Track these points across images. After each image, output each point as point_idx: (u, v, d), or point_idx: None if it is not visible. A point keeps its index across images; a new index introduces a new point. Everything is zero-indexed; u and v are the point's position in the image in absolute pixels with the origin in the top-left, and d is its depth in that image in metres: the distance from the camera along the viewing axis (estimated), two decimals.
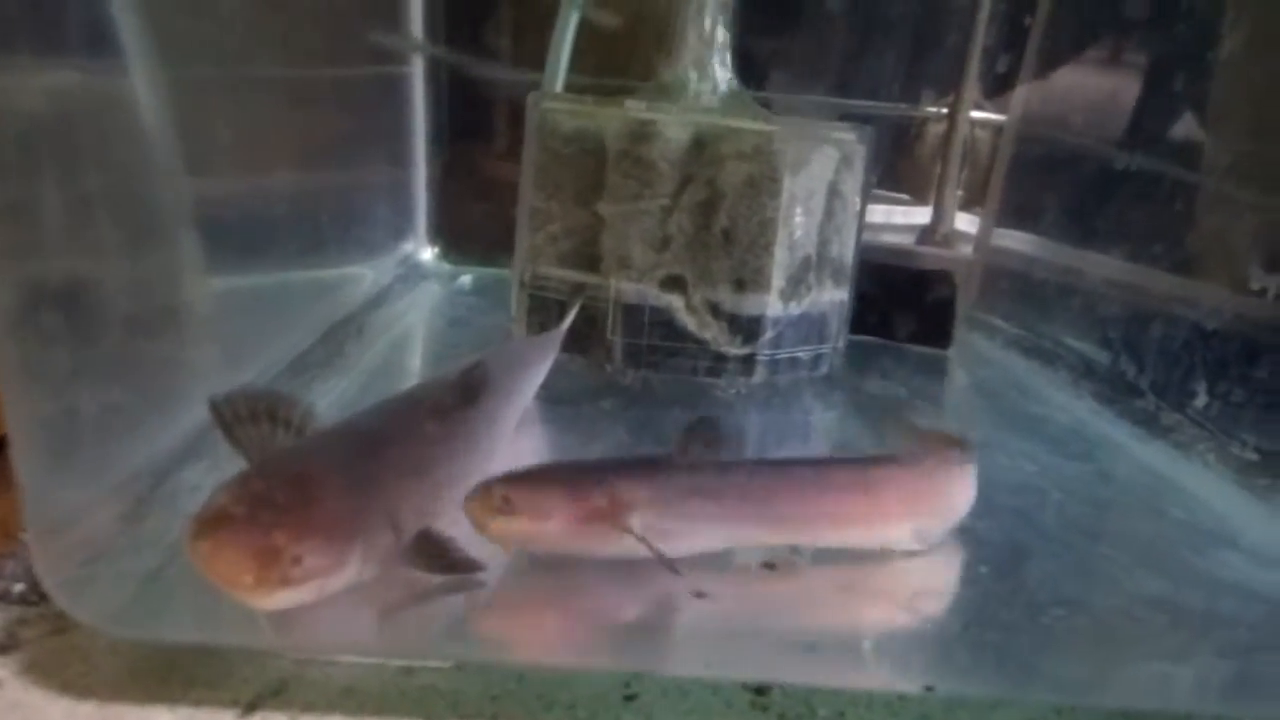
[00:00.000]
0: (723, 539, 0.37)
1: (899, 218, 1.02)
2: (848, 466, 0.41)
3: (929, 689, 0.30)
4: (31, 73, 0.33)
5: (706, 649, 0.34)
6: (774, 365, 0.59)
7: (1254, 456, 0.48)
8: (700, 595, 0.35)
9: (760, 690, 0.33)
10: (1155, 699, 0.33)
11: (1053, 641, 0.34)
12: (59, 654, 0.32)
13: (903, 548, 0.39)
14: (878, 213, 1.01)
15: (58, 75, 0.36)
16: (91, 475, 0.32)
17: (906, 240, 0.99)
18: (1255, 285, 0.50)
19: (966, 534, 0.41)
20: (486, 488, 0.34)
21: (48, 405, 0.30)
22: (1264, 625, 0.36)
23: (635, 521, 0.34)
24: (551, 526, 0.34)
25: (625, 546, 0.34)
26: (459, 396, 0.37)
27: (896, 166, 1.02)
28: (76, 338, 0.31)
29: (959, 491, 0.40)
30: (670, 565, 0.34)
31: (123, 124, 0.40)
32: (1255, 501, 0.47)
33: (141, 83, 0.41)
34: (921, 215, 0.99)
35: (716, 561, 0.37)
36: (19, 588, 0.35)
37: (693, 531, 0.36)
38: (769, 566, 0.37)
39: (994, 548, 0.41)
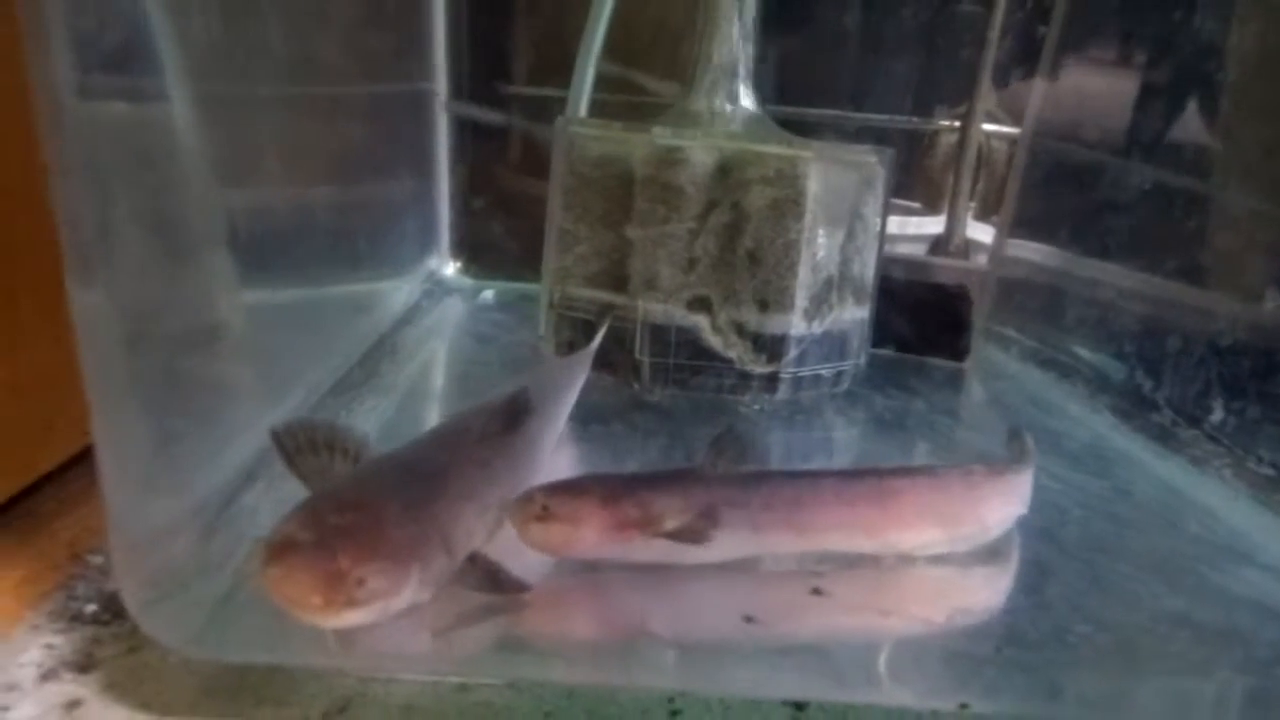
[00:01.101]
0: (753, 547, 0.39)
1: (912, 229, 1.03)
2: (870, 475, 0.43)
3: (964, 706, 0.31)
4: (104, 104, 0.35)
5: (747, 666, 0.36)
6: (797, 383, 0.60)
7: (1270, 472, 0.50)
8: (749, 619, 0.36)
9: (799, 706, 0.35)
10: (1177, 716, 0.34)
11: (1079, 659, 0.36)
12: (135, 673, 0.33)
13: (928, 553, 0.40)
14: (892, 224, 1.03)
15: (117, 106, 0.38)
16: (170, 499, 0.33)
17: (920, 250, 1.01)
18: (1271, 302, 0.51)
19: (991, 552, 0.42)
20: (528, 496, 0.36)
21: (135, 428, 0.32)
22: (1277, 641, 0.37)
23: (667, 529, 0.36)
24: (586, 533, 0.36)
25: (656, 553, 0.37)
26: (503, 423, 0.39)
27: (911, 177, 1.03)
28: (158, 363, 0.33)
29: (993, 500, 0.42)
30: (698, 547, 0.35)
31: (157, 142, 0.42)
32: (1272, 517, 0.48)
33: (177, 104, 0.43)
34: (935, 226, 1.00)
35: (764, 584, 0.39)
36: (91, 608, 0.37)
37: (721, 539, 0.38)
38: (816, 592, 0.39)
39: (1020, 564, 0.42)
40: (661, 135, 0.58)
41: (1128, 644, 0.37)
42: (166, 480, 0.33)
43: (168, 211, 0.39)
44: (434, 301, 0.79)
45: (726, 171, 0.58)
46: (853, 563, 0.40)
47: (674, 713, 0.34)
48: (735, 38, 0.63)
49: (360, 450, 0.36)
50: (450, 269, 0.88)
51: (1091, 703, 0.34)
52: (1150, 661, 0.36)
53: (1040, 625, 0.38)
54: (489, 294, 0.86)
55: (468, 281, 0.88)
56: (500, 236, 0.90)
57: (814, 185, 0.57)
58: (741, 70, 0.63)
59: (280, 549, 0.30)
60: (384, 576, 0.31)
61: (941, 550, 0.41)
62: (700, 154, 0.58)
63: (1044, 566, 0.42)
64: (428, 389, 0.62)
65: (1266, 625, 0.39)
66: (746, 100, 0.64)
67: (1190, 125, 0.67)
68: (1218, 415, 0.53)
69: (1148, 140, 0.70)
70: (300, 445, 0.35)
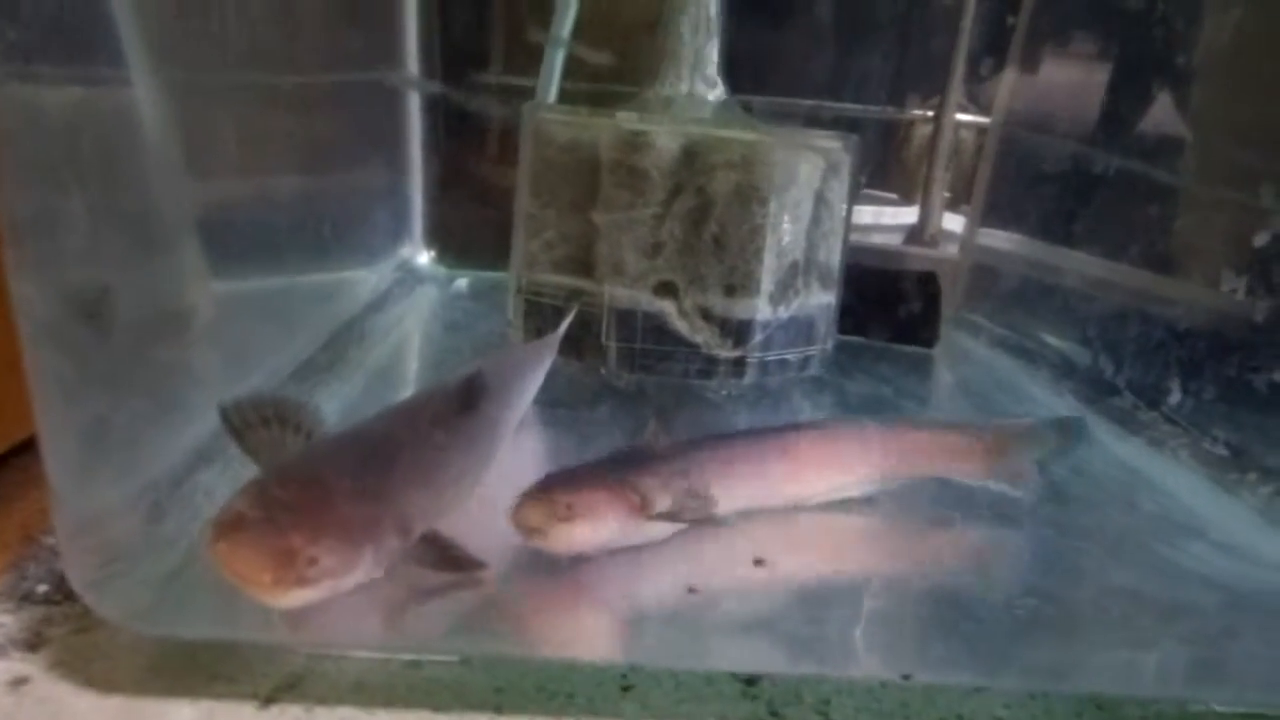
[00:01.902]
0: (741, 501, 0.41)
1: (888, 218, 1.04)
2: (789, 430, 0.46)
3: (906, 677, 0.32)
4: (48, 88, 0.35)
5: (700, 642, 0.36)
6: (764, 367, 0.61)
7: (1224, 452, 0.50)
8: (693, 590, 0.37)
9: (750, 681, 0.35)
10: (1120, 684, 0.34)
11: (1024, 631, 0.36)
12: (83, 652, 0.33)
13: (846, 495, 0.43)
14: (866, 213, 1.03)
15: (67, 91, 0.38)
16: (115, 480, 0.33)
17: (895, 240, 1.01)
18: (1225, 286, 0.51)
19: (948, 528, 0.43)
20: (545, 499, 0.36)
21: (77, 412, 0.31)
22: (1223, 613, 0.38)
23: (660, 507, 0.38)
24: (608, 525, 0.37)
25: (653, 532, 0.39)
26: (460, 403, 0.39)
27: (886, 167, 1.04)
28: (101, 346, 0.33)
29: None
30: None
31: (130, 136, 0.42)
32: (1224, 495, 0.49)
33: (144, 93, 0.43)
34: (910, 215, 1.01)
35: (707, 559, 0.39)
36: (43, 588, 0.36)
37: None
38: (759, 563, 0.39)
39: (973, 541, 0.43)
40: (627, 120, 0.58)
41: (1073, 616, 0.38)
42: (113, 462, 0.33)
43: (123, 199, 0.39)
44: (405, 290, 0.79)
45: (692, 157, 0.58)
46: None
47: (626, 688, 0.34)
48: (701, 23, 0.63)
49: (313, 426, 0.36)
50: (424, 258, 0.88)
51: (1034, 672, 0.35)
52: (1094, 633, 0.37)
53: (989, 598, 0.38)
54: (462, 282, 0.86)
55: (442, 270, 0.88)
56: (475, 225, 0.90)
57: (778, 171, 0.58)
58: (708, 56, 0.63)
59: (230, 525, 0.30)
60: (335, 555, 0.31)
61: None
62: (665, 139, 0.58)
63: (995, 543, 0.43)
64: (393, 374, 0.62)
65: (1210, 597, 0.39)
66: (714, 86, 0.64)
67: (1154, 114, 0.67)
68: (1175, 397, 0.54)
69: (1112, 129, 0.71)
70: (250, 421, 0.35)
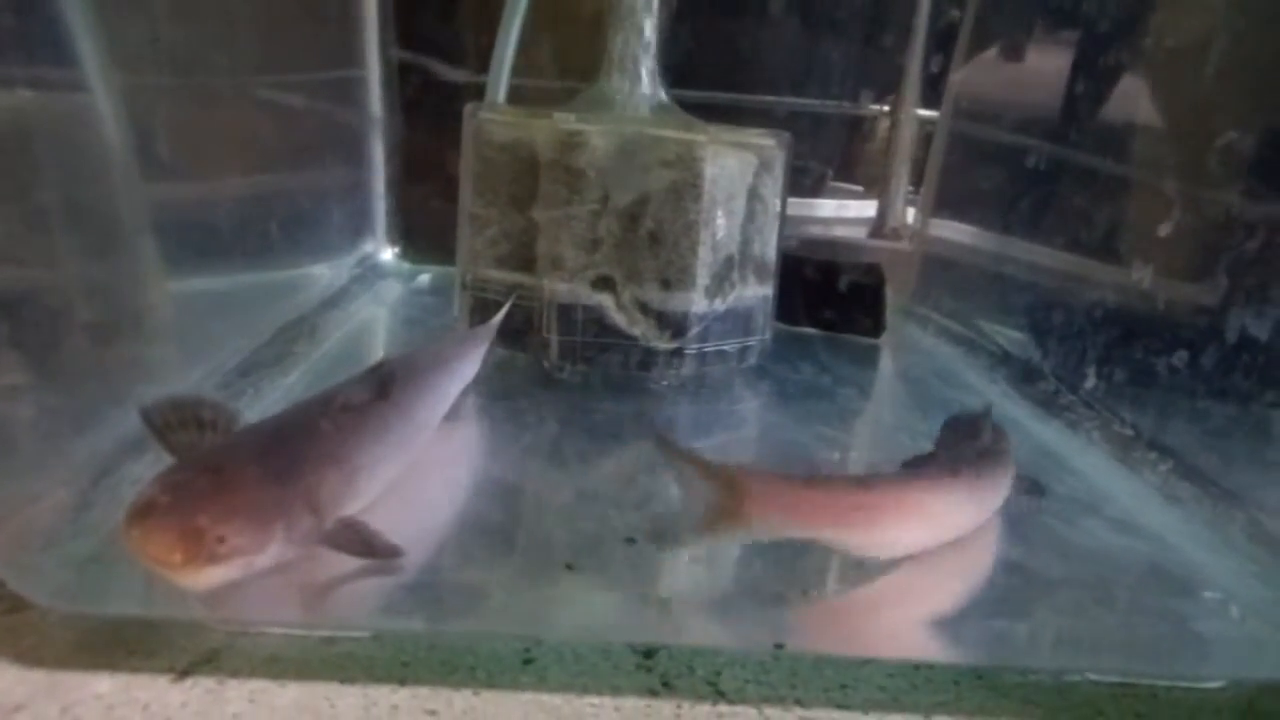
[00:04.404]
0: None
1: (852, 212, 1.06)
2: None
3: (779, 646, 0.34)
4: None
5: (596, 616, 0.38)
6: (701, 358, 0.63)
7: (1130, 433, 0.52)
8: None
9: (648, 653, 0.37)
10: (995, 655, 0.37)
11: (899, 603, 0.38)
12: (14, 630, 0.35)
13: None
14: (830, 207, 1.05)
15: (12, 94, 0.40)
16: (37, 469, 0.35)
17: (859, 233, 1.03)
18: (1135, 275, 0.53)
19: None
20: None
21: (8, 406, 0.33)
22: (1100, 585, 0.40)
23: None
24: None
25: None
26: (369, 391, 0.41)
27: (851, 161, 1.06)
28: (24, 340, 0.35)
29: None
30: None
31: (79, 134, 0.43)
32: (1128, 474, 0.51)
33: (97, 92, 0.44)
34: (874, 208, 1.03)
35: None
36: None
37: None
38: (630, 541, 0.41)
39: None
40: (563, 120, 0.60)
41: (958, 592, 0.40)
42: (33, 454, 0.35)
43: (72, 198, 0.41)
44: (365, 286, 0.80)
45: (628, 155, 0.60)
46: None
47: (527, 661, 0.36)
48: (641, 25, 0.64)
49: (230, 424, 0.38)
50: (388, 254, 0.90)
51: (915, 646, 0.37)
52: (975, 607, 0.39)
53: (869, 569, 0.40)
54: (424, 278, 0.88)
55: (405, 266, 0.90)
56: (438, 221, 0.91)
57: (710, 168, 0.59)
58: (648, 56, 0.65)
59: (140, 510, 0.32)
60: (244, 534, 0.33)
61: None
62: (601, 138, 0.60)
63: None
64: (339, 367, 0.64)
65: (1090, 570, 0.41)
66: (653, 86, 0.66)
67: (1091, 105, 0.69)
68: (1090, 381, 0.56)
69: (1050, 120, 0.73)
70: (169, 421, 0.37)
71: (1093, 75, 0.66)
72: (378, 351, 0.72)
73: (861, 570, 0.39)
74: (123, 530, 0.32)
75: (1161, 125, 0.56)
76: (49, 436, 0.36)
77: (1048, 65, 0.74)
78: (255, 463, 0.34)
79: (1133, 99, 0.60)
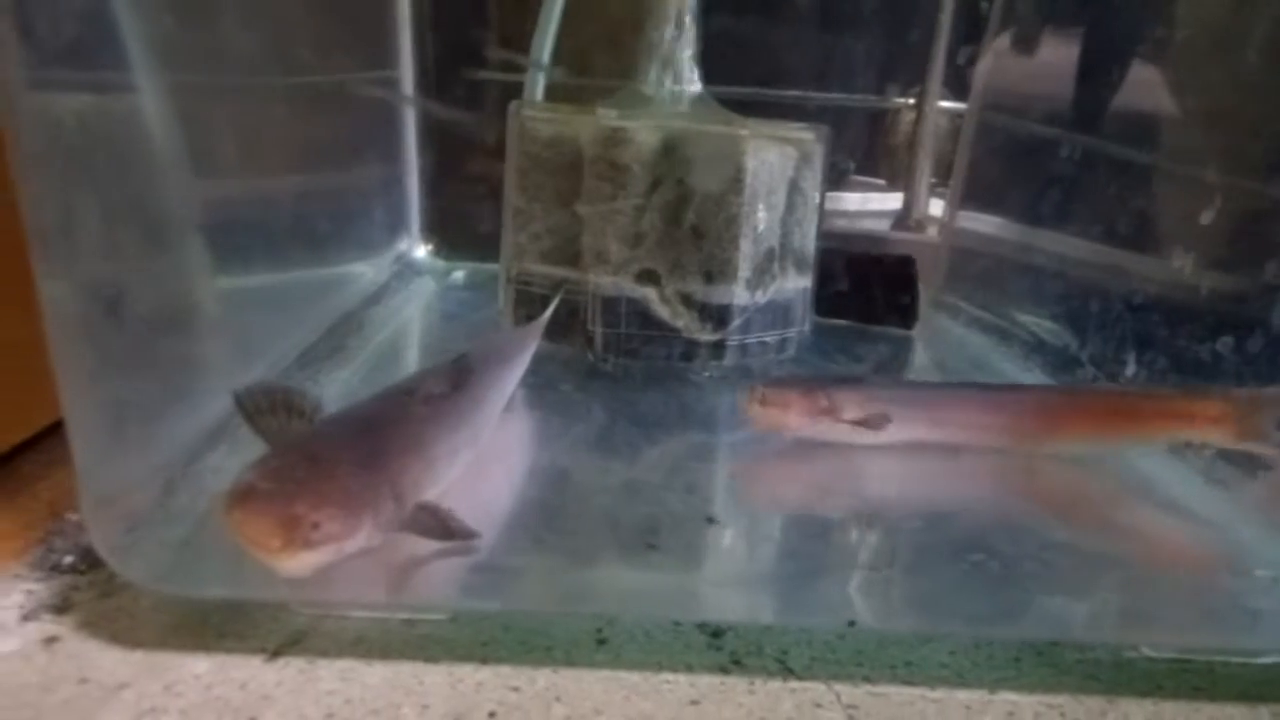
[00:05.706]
0: (907, 434, 0.51)
1: (875, 204, 1.06)
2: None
3: (852, 624, 0.35)
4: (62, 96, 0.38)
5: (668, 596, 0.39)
6: (743, 349, 0.64)
7: None
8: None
9: (716, 633, 0.38)
10: (1057, 631, 0.38)
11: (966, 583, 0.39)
12: (107, 614, 0.37)
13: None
14: (855, 200, 1.06)
15: (79, 99, 0.41)
16: (135, 458, 0.37)
17: (883, 226, 1.04)
18: (1176, 263, 0.54)
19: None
20: (751, 388, 0.51)
21: (99, 394, 0.35)
22: (1156, 565, 0.41)
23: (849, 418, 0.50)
24: (791, 416, 0.50)
25: (839, 433, 0.50)
26: (448, 384, 0.42)
27: (874, 154, 1.07)
28: (120, 335, 0.36)
29: None
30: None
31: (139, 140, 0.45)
32: (1173, 459, 0.52)
33: (150, 97, 0.46)
34: (897, 201, 1.04)
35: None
36: (69, 559, 0.40)
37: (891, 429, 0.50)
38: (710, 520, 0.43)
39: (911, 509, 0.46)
40: (606, 116, 0.61)
41: (1013, 571, 0.41)
42: (130, 442, 0.36)
43: (137, 199, 0.42)
44: (403, 282, 0.82)
45: (670, 150, 0.61)
46: None
47: (601, 641, 0.38)
48: (679, 21, 0.65)
49: (314, 411, 0.39)
50: (421, 251, 0.91)
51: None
52: (1026, 584, 0.40)
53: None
54: (459, 274, 0.89)
55: (440, 263, 0.91)
56: (471, 219, 0.92)
57: (752, 162, 0.60)
58: (687, 52, 0.66)
59: (243, 496, 0.33)
60: (337, 521, 0.34)
61: None
62: (644, 134, 0.61)
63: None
64: (390, 361, 0.65)
65: (1143, 551, 0.42)
66: (692, 81, 0.67)
67: (1122, 95, 0.69)
68: (1131, 368, 0.57)
69: (1080, 111, 0.73)
70: (260, 407, 0.38)
71: (1126, 62, 0.66)
72: (425, 346, 0.73)
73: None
74: (224, 513, 0.33)
75: (1200, 111, 0.57)
76: (142, 423, 0.38)
77: (1078, 53, 0.75)
78: (347, 452, 0.36)
79: (1169, 86, 0.61)
